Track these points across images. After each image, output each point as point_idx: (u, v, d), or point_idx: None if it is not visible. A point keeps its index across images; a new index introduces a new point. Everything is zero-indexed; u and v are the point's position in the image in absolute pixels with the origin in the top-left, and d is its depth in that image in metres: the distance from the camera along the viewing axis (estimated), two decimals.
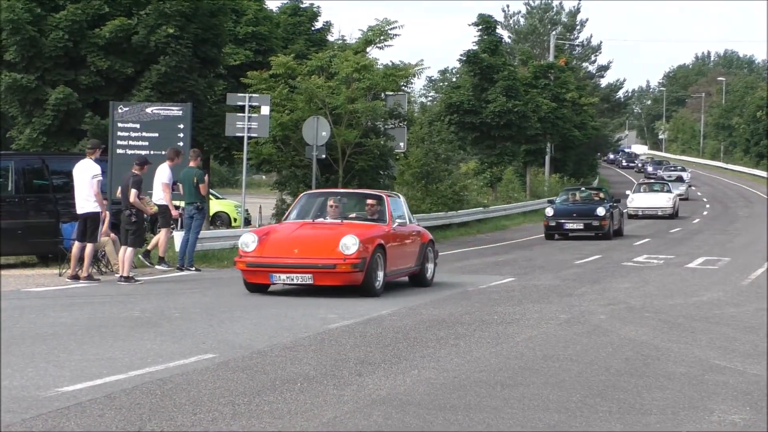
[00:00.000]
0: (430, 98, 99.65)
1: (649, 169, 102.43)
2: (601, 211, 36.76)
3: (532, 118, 57.38)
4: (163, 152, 23.72)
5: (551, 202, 40.16)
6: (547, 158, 67.85)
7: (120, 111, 24.77)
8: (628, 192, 56.41)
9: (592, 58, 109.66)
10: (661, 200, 52.81)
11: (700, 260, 27.86)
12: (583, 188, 44.06)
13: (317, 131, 30.76)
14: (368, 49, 36.05)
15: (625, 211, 43.79)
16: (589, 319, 15.34)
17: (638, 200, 53.09)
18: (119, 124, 24.62)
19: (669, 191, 54.55)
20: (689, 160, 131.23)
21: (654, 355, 12.06)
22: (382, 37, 35.56)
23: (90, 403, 8.83)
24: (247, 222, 33.82)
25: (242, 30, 37.03)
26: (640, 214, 51.68)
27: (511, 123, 55.84)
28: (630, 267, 25.51)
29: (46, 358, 10.90)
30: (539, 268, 24.76)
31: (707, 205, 65.07)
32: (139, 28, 29.66)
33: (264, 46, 37.30)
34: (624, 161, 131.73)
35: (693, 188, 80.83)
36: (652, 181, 64.36)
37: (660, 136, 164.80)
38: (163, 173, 22.05)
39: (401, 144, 38.08)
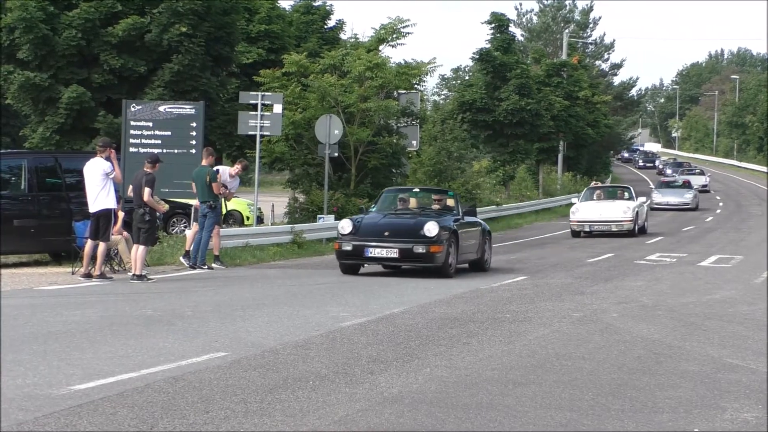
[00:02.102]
0: (442, 96, 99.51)
1: (668, 171, 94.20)
2: (431, 228, 20.69)
3: (544, 117, 57.27)
4: (176, 151, 23.80)
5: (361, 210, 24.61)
6: (560, 156, 67.70)
7: (133, 109, 24.81)
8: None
9: (605, 56, 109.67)
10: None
11: (713, 258, 27.79)
12: (417, 189, 24.96)
13: (330, 129, 30.76)
14: (381, 48, 36.08)
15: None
16: (602, 317, 15.31)
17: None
18: (132, 123, 24.66)
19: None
20: (702, 158, 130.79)
21: (666, 354, 12.03)
22: (394, 36, 35.59)
23: (102, 401, 8.84)
24: (260, 220, 33.82)
25: (255, 28, 37.09)
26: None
27: (524, 121, 55.74)
28: (642, 265, 25.45)
29: (59, 356, 10.92)
30: (552, 267, 24.72)
31: (720, 203, 64.90)
32: (152, 26, 29.73)
33: (277, 44, 37.37)
34: (641, 161, 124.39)
35: (711, 192, 76.97)
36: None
37: (673, 134, 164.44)
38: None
39: (414, 142, 38.09)
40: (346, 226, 21.41)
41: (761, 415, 8.96)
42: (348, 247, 21.03)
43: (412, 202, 23.00)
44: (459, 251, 21.59)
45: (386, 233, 21.11)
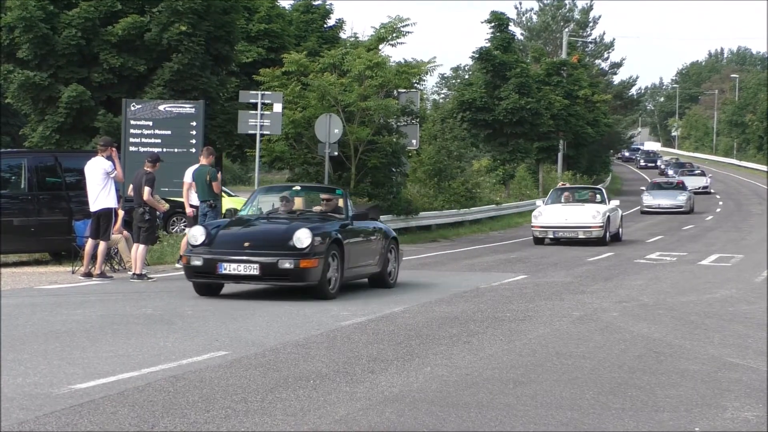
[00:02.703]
0: (442, 95, 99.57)
1: (670, 172, 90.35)
2: (302, 237, 16.48)
3: (544, 116, 57.31)
4: (176, 150, 23.79)
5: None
6: (560, 155, 67.76)
7: (132, 108, 24.79)
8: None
9: (605, 55, 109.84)
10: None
11: (713, 257, 27.80)
12: (298, 187, 20.06)
13: (330, 129, 30.76)
14: (381, 47, 36.04)
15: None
16: (602, 316, 15.32)
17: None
18: (132, 122, 24.64)
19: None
20: (702, 157, 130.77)
21: (667, 353, 12.03)
22: (394, 35, 35.55)
23: (103, 400, 8.84)
24: None
25: (255, 27, 37.10)
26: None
27: (524, 120, 55.77)
28: (643, 264, 25.46)
29: (60, 356, 10.92)
30: (552, 266, 24.73)
31: (720, 202, 64.90)
32: (152, 25, 29.73)
33: (276, 43, 37.38)
34: (642, 160, 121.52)
35: (712, 193, 74.74)
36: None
37: (673, 133, 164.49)
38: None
39: (414, 141, 38.09)
40: (197, 235, 16.90)
41: (762, 414, 8.96)
42: (198, 262, 16.51)
43: (297, 203, 18.65)
44: (347, 265, 17.28)
45: (246, 244, 16.59)
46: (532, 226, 33.85)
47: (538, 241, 33.27)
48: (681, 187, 57.78)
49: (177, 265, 22.25)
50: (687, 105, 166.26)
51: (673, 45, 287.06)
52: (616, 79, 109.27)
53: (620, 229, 35.23)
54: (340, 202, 18.59)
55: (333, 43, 42.20)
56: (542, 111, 57.10)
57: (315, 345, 12.05)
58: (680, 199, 54.79)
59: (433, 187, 40.81)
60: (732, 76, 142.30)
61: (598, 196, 35.53)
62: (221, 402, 8.87)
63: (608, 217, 33.08)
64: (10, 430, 7.76)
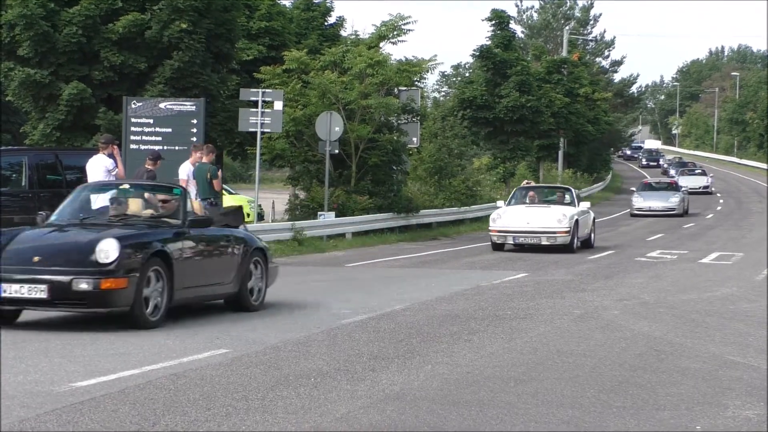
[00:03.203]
0: (443, 93, 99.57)
1: (672, 171, 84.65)
2: (107, 249, 12.70)
3: (545, 113, 57.28)
4: (177, 148, 23.82)
5: None
6: (561, 153, 67.72)
7: (133, 106, 24.82)
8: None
9: (606, 53, 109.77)
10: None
11: (713, 255, 27.79)
12: (127, 186, 15.79)
13: (330, 126, 30.76)
14: (381, 45, 36.06)
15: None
16: (603, 314, 15.31)
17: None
18: (132, 120, 24.67)
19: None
20: (703, 155, 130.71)
21: (668, 351, 12.03)
22: (395, 33, 35.57)
23: (104, 398, 8.84)
24: (260, 217, 33.84)
25: (255, 25, 37.06)
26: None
27: (524, 118, 55.74)
28: (643, 262, 25.45)
29: (60, 353, 10.92)
30: (552, 264, 24.72)
31: (721, 201, 64.86)
32: (153, 23, 29.72)
33: (277, 41, 37.34)
34: (645, 159, 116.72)
35: (712, 193, 71.89)
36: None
37: (673, 131, 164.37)
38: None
39: (414, 139, 38.11)
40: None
41: (763, 412, 8.95)
42: None
43: (132, 205, 14.48)
44: (178, 284, 13.32)
45: (36, 258, 12.69)
46: (490, 230, 29.09)
47: (497, 247, 28.77)
48: (674, 187, 53.25)
49: None
50: (687, 103, 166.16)
51: (674, 43, 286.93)
52: (617, 77, 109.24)
53: (592, 235, 30.90)
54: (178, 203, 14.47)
55: (334, 40, 42.16)
56: (543, 109, 57.07)
57: (316, 343, 12.05)
58: (672, 200, 50.33)
59: (434, 185, 40.80)
60: (732, 74, 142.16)
61: (567, 196, 31.15)
62: (222, 400, 8.87)
63: (576, 221, 28.79)
64: (11, 429, 7.76)
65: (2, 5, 29.75)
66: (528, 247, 28.76)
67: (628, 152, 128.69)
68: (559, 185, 40.85)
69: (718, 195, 70.26)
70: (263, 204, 36.09)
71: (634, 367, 10.94)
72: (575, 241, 28.75)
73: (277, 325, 13.41)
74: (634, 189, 56.34)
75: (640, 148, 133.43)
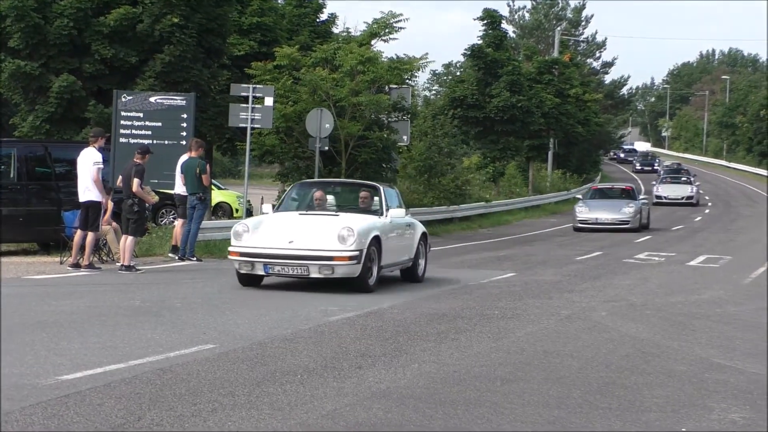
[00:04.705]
0: (433, 92, 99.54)
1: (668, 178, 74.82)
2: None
3: (535, 114, 57.30)
4: (167, 142, 23.80)
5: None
6: (550, 154, 67.79)
7: (123, 100, 24.77)
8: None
9: (597, 55, 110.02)
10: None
11: (701, 258, 27.84)
12: None
13: (321, 123, 30.73)
14: (373, 42, 36.01)
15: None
16: (590, 315, 15.33)
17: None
18: (122, 113, 24.61)
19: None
20: (692, 158, 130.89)
21: (654, 353, 12.04)
22: (387, 30, 35.54)
23: (90, 391, 8.82)
24: (249, 213, 33.81)
25: (247, 20, 36.96)
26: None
27: (515, 118, 55.75)
28: (631, 264, 25.49)
29: (47, 346, 10.90)
30: (540, 264, 24.74)
31: (709, 204, 64.91)
32: (144, 16, 29.63)
33: (268, 37, 37.24)
34: (639, 164, 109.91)
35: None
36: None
37: (663, 134, 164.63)
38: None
39: (404, 137, 38.08)
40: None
41: (748, 415, 8.97)
42: None
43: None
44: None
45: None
46: (230, 252, 17.59)
47: (243, 280, 17.61)
48: (630, 195, 43.20)
49: (170, 254, 22.27)
50: (678, 106, 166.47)
51: (665, 45, 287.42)
52: (608, 79, 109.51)
53: (422, 262, 20.15)
54: None
55: (325, 37, 42.04)
56: (533, 109, 57.09)
57: (303, 339, 12.04)
58: (625, 211, 40.61)
59: (423, 183, 40.80)
60: (723, 77, 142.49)
61: (375, 199, 19.14)
62: (208, 395, 8.86)
63: (375, 237, 17.44)
64: None
65: None
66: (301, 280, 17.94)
67: (622, 155, 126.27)
68: (361, 182, 22.98)
69: (707, 198, 70.16)
70: (252, 200, 36.05)
71: (620, 368, 10.95)
72: (372, 271, 17.53)
73: (264, 321, 13.40)
74: (580, 197, 48.57)
75: (634, 151, 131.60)
